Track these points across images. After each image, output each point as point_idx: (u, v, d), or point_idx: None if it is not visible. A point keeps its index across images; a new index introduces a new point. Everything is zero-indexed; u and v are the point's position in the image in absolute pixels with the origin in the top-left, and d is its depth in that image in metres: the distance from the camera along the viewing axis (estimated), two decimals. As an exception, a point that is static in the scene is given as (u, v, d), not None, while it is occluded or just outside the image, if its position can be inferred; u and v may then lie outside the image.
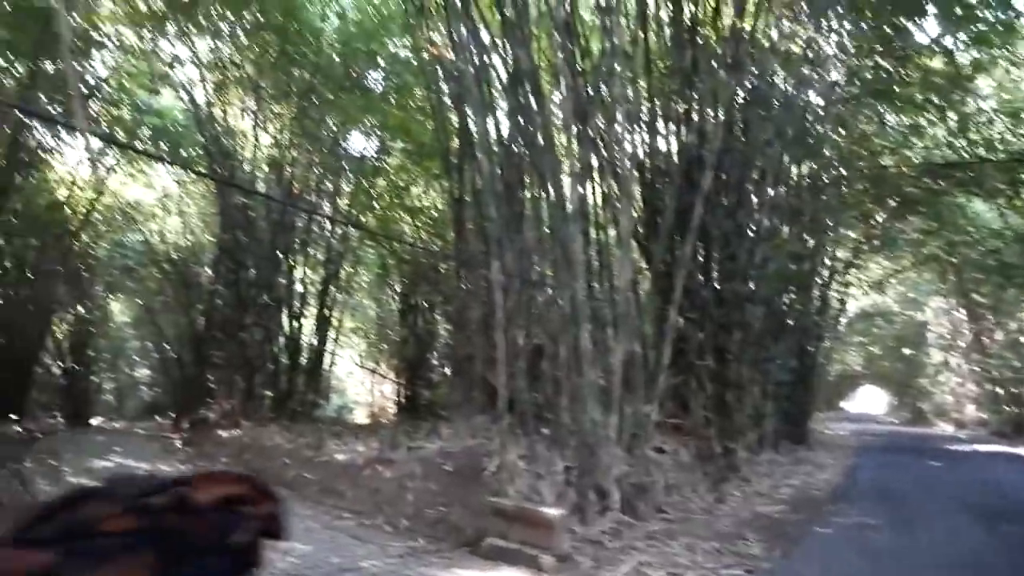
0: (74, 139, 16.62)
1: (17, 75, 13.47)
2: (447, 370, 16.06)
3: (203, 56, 15.43)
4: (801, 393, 10.16)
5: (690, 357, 7.80)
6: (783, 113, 8.27)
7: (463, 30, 7.75)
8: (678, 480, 7.16)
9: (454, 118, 10.65)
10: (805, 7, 7.68)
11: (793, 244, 9.80)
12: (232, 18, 14.41)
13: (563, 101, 7.28)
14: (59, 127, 14.39)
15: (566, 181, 7.23)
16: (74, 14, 13.93)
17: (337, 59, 14.51)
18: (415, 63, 13.22)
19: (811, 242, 9.98)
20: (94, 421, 21.23)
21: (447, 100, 10.70)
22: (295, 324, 14.94)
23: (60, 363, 20.15)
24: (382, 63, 14.76)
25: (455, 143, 10.44)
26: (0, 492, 5.32)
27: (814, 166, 9.27)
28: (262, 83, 15.05)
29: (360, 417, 20.66)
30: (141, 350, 25.68)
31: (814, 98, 8.69)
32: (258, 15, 13.75)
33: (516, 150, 8.28)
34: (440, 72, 10.39)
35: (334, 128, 15.58)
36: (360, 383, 23.41)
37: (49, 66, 13.07)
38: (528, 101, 8.05)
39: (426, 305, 17.66)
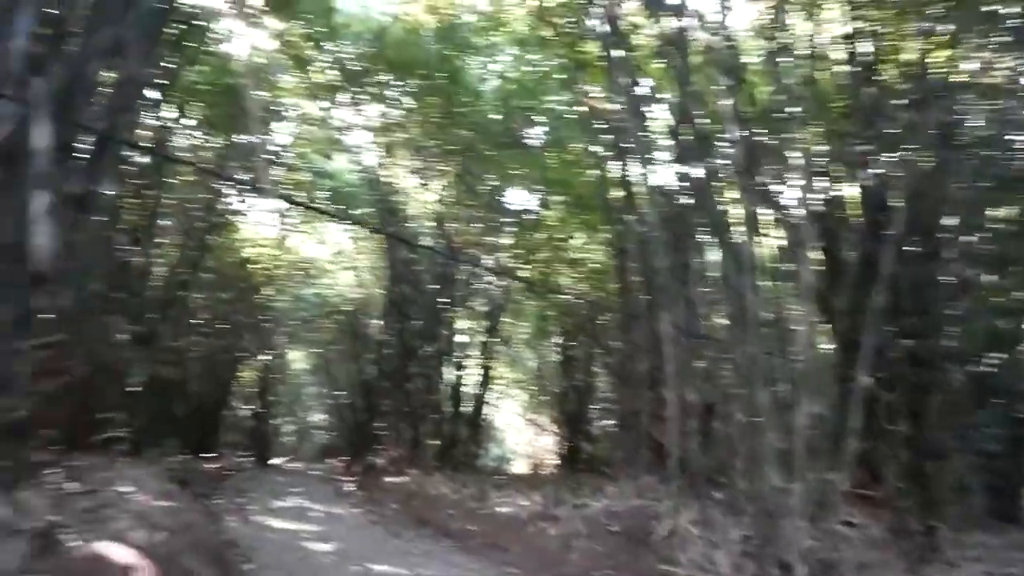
0: (261, 202, 18.14)
1: (214, 147, 14.90)
2: (609, 424, 15.75)
3: (372, 121, 16.43)
4: (1011, 466, 8.98)
5: (881, 421, 7.10)
6: (981, 151, 7.52)
7: (623, 81, 7.68)
8: (870, 559, 6.45)
9: (614, 169, 10.59)
10: (1007, 36, 6.99)
11: (998, 296, 8.81)
12: (399, 84, 15.26)
13: (731, 147, 6.99)
14: (248, 192, 15.63)
15: (738, 230, 6.89)
16: (260, 91, 15.30)
17: (497, 117, 14.94)
18: (573, 117, 13.39)
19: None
20: (276, 461, 22.63)
21: (607, 151, 10.66)
22: (457, 374, 15.23)
23: (246, 406, 21.72)
24: (541, 119, 15.04)
25: (616, 194, 10.33)
26: (197, 527, 5.63)
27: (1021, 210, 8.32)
28: (426, 143, 15.77)
29: (519, 468, 20.62)
30: (317, 396, 27.21)
31: (1018, 135, 7.84)
32: (422, 80, 14.46)
33: (682, 199, 8.05)
34: (599, 124, 10.38)
35: (494, 184, 15.99)
36: (519, 434, 23.45)
37: (240, 138, 14.33)
38: (693, 149, 7.83)
39: (586, 358, 17.48)
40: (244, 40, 14.18)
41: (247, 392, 21.71)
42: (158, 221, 12.96)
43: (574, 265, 16.65)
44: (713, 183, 7.30)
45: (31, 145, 3.59)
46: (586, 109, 11.02)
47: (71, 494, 4.88)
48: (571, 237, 16.32)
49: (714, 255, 7.35)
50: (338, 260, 19.95)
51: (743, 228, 7.03)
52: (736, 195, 7.13)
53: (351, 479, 15.34)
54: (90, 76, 4.90)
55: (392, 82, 15.27)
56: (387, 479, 13.67)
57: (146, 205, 12.19)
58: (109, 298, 11.56)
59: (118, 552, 4.04)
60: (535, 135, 15.58)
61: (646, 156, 7.82)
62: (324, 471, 18.61)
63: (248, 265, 17.86)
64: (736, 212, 7.26)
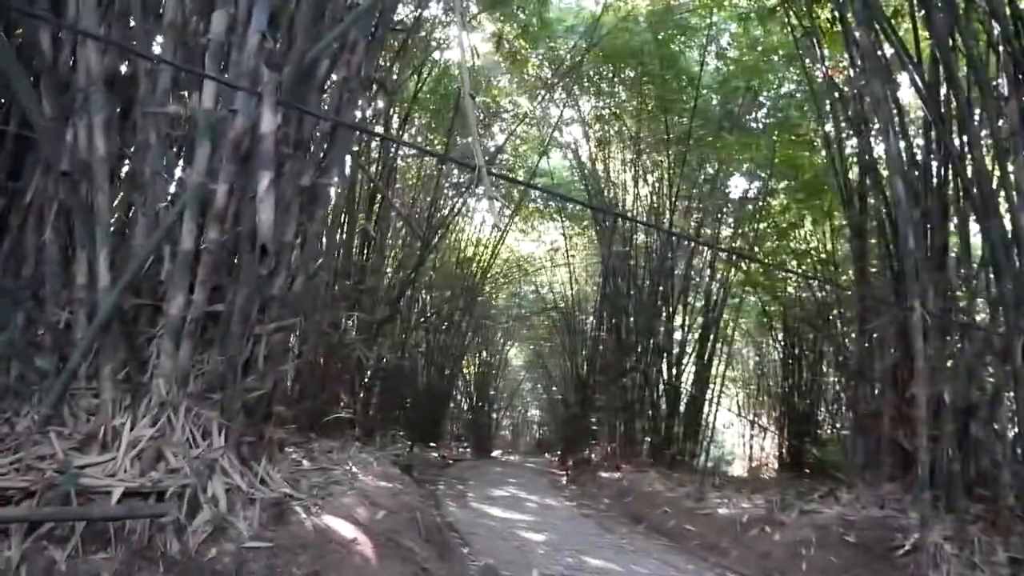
0: (479, 202, 18.75)
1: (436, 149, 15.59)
2: (838, 426, 14.41)
3: (586, 115, 16.34)
4: None
5: None
6: None
7: (865, 44, 6.83)
8: None
9: (852, 146, 9.56)
10: None
11: None
12: (613, 75, 15.02)
13: (1002, 110, 5.95)
14: (467, 192, 16.15)
15: (1007, 206, 5.85)
16: (477, 94, 15.75)
17: (715, 100, 14.21)
18: (802, 93, 12.35)
19: None
20: (495, 453, 23.37)
21: (844, 127, 9.65)
22: (674, 371, 14.67)
23: (467, 400, 22.63)
24: (763, 99, 14.08)
25: (855, 173, 9.31)
26: (417, 509, 5.75)
27: None
28: (641, 134, 15.39)
29: (738, 470, 19.58)
30: (532, 391, 27.79)
31: None
32: (637, 68, 14.11)
33: (934, 174, 7.04)
34: (834, 97, 9.39)
35: (712, 172, 15.25)
36: (738, 435, 22.30)
37: (459, 140, 14.84)
38: (949, 116, 6.80)
39: (813, 355, 16.16)
40: (461, 45, 14.76)
41: (468, 386, 22.61)
42: (387, 217, 13.76)
43: (800, 256, 15.44)
44: (976, 153, 6.28)
45: (259, 131, 3.77)
46: (819, 81, 10.03)
47: (305, 470, 5.16)
48: (796, 226, 15.13)
49: (977, 235, 6.31)
50: (553, 257, 20.14)
51: (1015, 203, 5.98)
52: (1009, 166, 6.07)
53: (564, 473, 15.35)
54: (320, 74, 5.15)
55: (606, 73, 15.10)
56: (600, 474, 13.48)
57: (374, 201, 12.96)
58: (341, 290, 12.48)
59: (342, 527, 4.15)
60: (759, 117, 14.64)
61: (893, 127, 6.90)
62: (539, 464, 18.87)
63: (469, 264, 18.52)
64: (1006, 185, 6.21)
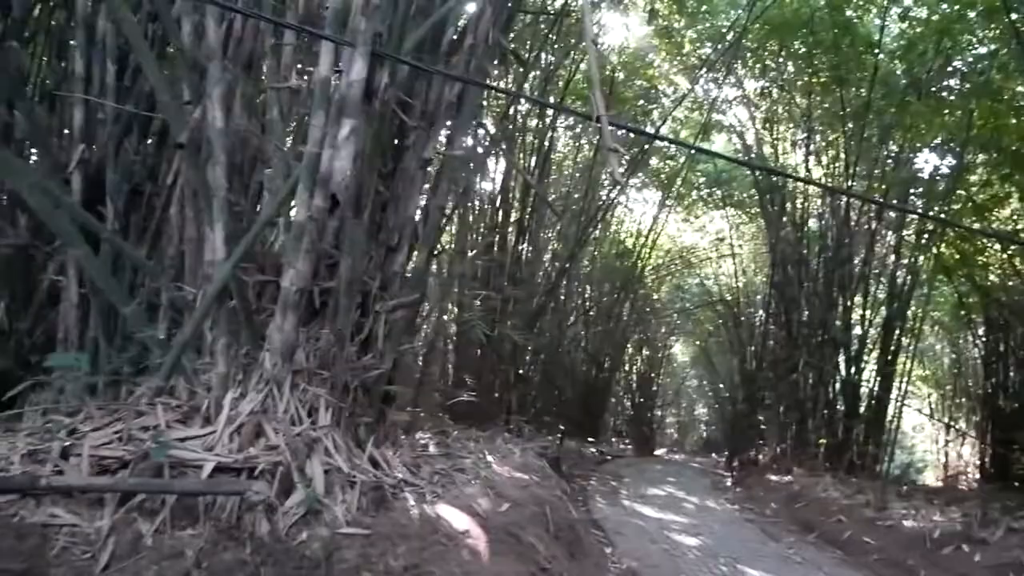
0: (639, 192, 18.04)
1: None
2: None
3: (750, 93, 15.16)
4: None
5: None
6: None
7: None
8: None
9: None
10: None
11: None
12: (779, 49, 13.78)
13: None
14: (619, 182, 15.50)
15: None
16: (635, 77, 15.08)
17: (899, 68, 12.62)
18: (1006, 53, 10.60)
19: None
20: (659, 451, 22.48)
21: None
22: (853, 368, 13.21)
23: (629, 396, 21.89)
24: (957, 64, 12.29)
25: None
26: (552, 503, 5.34)
27: None
28: (813, 111, 14.03)
29: (930, 479, 17.44)
30: (699, 388, 26.51)
31: None
32: (807, 40, 12.82)
33: None
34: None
35: (897, 148, 13.57)
36: (931, 440, 19.92)
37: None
38: None
39: (1022, 350, 14.00)
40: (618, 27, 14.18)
41: (631, 382, 21.86)
42: (542, 208, 13.46)
43: (1002, 241, 13.37)
44: None
45: (349, 78, 3.50)
46: None
47: (431, 456, 4.88)
48: (1003, 200, 13.15)
49: None
50: (719, 247, 18.97)
51: None
52: None
53: (730, 474, 14.34)
54: (445, 39, 4.86)
55: (772, 47, 13.88)
56: (769, 477, 12.40)
57: (528, 192, 12.67)
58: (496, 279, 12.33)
59: (456, 517, 3.81)
60: (951, 84, 12.82)
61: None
62: (704, 464, 17.82)
63: (629, 256, 17.84)
64: None
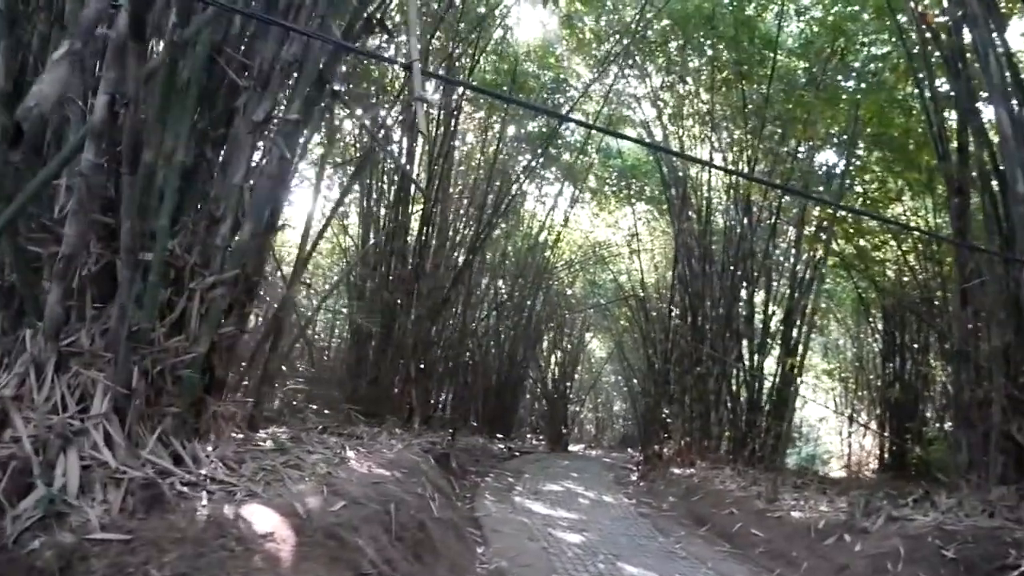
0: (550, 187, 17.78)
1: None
2: (945, 423, 12.58)
3: (656, 88, 15.07)
4: None
5: None
6: None
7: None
8: None
9: (946, 91, 8.00)
10: None
11: None
12: (683, 44, 13.70)
13: None
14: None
15: None
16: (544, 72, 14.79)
17: (797, 65, 12.69)
18: (897, 53, 10.70)
19: None
20: (576, 447, 22.28)
21: (935, 73, 8.14)
22: (755, 361, 13.21)
23: (543, 391, 21.60)
24: (855, 60, 12.41)
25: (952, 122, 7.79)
26: (408, 502, 4.91)
27: None
28: (716, 106, 14.01)
29: (835, 471, 17.74)
30: (616, 384, 26.48)
31: None
32: (709, 34, 12.77)
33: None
34: (937, 54, 7.84)
35: (796, 144, 13.65)
36: (836, 432, 20.33)
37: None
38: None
39: (916, 344, 14.30)
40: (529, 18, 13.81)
41: (545, 377, 21.60)
42: (448, 199, 13.00)
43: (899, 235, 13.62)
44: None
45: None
46: (919, 35, 8.45)
47: (261, 451, 4.36)
48: (895, 198, 13.37)
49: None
50: (630, 243, 18.87)
51: None
52: None
53: (636, 468, 14.19)
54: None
55: (677, 41, 13.80)
56: (673, 470, 12.26)
57: (432, 182, 12.23)
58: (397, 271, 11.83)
59: (263, 518, 3.31)
60: (847, 83, 12.97)
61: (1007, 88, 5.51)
62: (617, 460, 17.67)
63: (541, 248, 17.55)
64: None
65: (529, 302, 17.74)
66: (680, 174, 14.49)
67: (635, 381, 20.49)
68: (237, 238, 4.06)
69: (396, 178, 12.26)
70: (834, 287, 17.04)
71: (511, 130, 15.43)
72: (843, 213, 13.35)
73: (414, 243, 12.37)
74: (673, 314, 15.00)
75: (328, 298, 12.87)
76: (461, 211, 13.83)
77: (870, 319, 16.48)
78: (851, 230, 12.76)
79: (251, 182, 4.12)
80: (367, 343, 12.23)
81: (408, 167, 11.85)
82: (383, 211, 12.37)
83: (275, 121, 4.22)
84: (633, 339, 20.20)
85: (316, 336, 14.32)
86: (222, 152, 4.11)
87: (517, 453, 14.87)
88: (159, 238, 3.65)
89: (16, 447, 2.69)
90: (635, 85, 15.00)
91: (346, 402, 12.20)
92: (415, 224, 12.64)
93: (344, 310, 14.24)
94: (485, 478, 10.08)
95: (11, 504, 2.54)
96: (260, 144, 4.24)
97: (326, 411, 12.05)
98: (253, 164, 4.20)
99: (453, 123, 12.81)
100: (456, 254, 13.15)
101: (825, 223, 12.42)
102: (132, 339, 3.56)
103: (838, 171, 13.56)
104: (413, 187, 12.42)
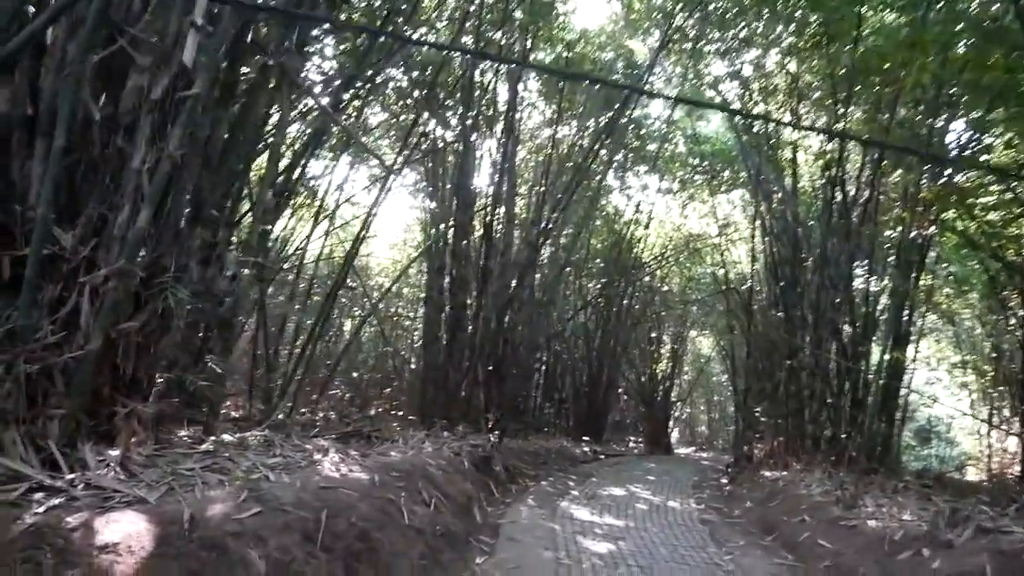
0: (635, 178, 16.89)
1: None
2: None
3: (739, 65, 13.93)
4: None
5: None
6: None
7: None
8: None
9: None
10: None
11: None
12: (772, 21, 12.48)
13: None
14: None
15: None
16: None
17: (893, 20, 11.20)
18: None
19: None
20: (685, 451, 21.11)
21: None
22: (856, 352, 11.76)
23: (640, 391, 20.54)
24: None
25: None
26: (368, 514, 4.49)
27: None
28: (807, 82, 12.69)
29: (972, 475, 15.66)
30: (724, 383, 24.92)
31: None
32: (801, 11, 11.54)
33: None
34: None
35: (909, 113, 12.02)
36: (972, 432, 18.01)
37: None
38: None
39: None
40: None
41: (642, 377, 20.51)
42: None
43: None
44: None
45: None
46: None
47: (184, 455, 4.04)
48: None
49: None
50: (726, 233, 17.61)
51: None
52: None
53: (727, 470, 13.06)
54: None
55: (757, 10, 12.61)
56: (763, 473, 11.14)
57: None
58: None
59: (119, 526, 2.96)
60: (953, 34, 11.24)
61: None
62: (716, 463, 16.42)
63: (629, 245, 16.71)
64: None
65: (620, 300, 16.92)
66: (768, 154, 13.27)
67: (739, 379, 19.10)
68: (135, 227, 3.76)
69: (457, 177, 11.97)
70: (962, 269, 15.06)
71: (588, 124, 14.75)
72: (958, 183, 11.76)
73: (479, 242, 12.02)
74: (766, 305, 13.76)
75: (383, 298, 12.76)
76: (531, 208, 13.31)
77: (1006, 304, 14.38)
78: (971, 202, 11.11)
79: (147, 165, 3.82)
80: (435, 346, 12.00)
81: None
82: (446, 211, 12.11)
83: (178, 98, 3.90)
84: (735, 334, 18.85)
85: (392, 339, 14.29)
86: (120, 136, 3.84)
87: (602, 456, 14.09)
88: (38, 229, 3.41)
89: None
90: (715, 61, 13.93)
91: (418, 405, 12.04)
92: (480, 222, 12.28)
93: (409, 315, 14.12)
94: (541, 482, 9.47)
95: None
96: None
97: (398, 414, 11.93)
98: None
99: (517, 116, 12.37)
100: (524, 253, 12.63)
101: (932, 195, 10.91)
102: (12, 338, 3.35)
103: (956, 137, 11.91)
104: (476, 186, 12.13)
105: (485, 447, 8.42)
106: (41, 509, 2.88)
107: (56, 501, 3.00)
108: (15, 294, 3.45)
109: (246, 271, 6.18)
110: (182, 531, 3.16)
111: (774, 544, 7.02)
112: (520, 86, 12.45)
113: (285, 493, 3.97)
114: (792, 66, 12.90)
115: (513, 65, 10.39)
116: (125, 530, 2.97)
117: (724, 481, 12.16)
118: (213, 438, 4.56)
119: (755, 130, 13.59)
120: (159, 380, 4.38)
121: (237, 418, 6.95)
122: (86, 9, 3.73)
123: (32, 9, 3.87)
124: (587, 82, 10.88)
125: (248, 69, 5.41)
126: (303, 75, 7.32)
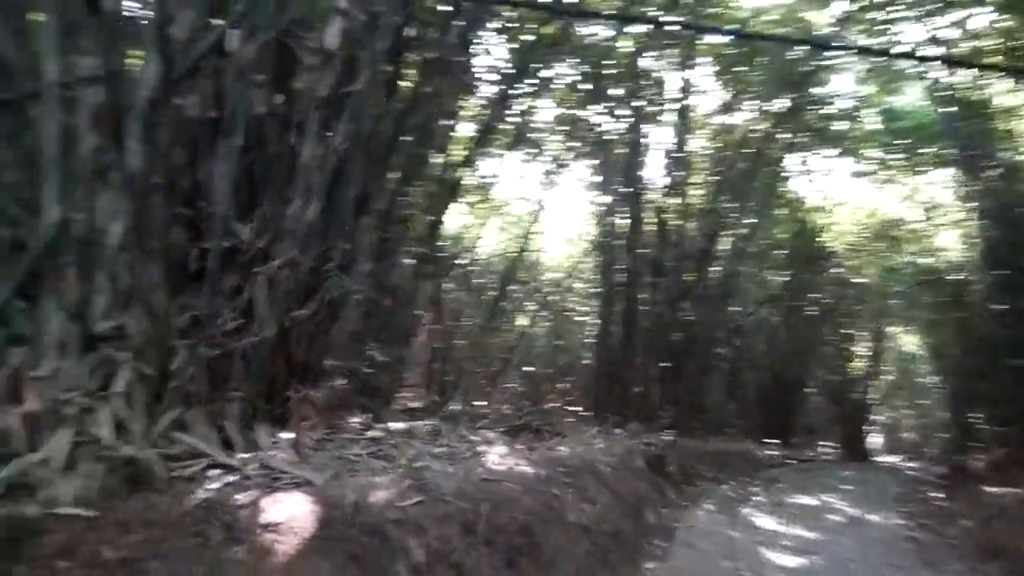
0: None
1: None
2: None
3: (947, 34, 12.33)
4: None
5: None
6: None
7: None
8: None
9: None
10: None
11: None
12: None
13: None
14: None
15: None
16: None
17: None
18: None
19: None
20: (887, 459, 19.19)
21: None
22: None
23: (833, 393, 18.86)
24: None
25: None
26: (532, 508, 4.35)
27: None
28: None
29: None
30: (932, 385, 22.31)
31: None
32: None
33: None
34: None
35: None
36: None
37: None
38: None
39: None
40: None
41: (835, 376, 18.81)
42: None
43: None
44: None
45: None
46: None
47: (351, 440, 4.10)
48: None
49: None
50: (933, 216, 15.72)
51: None
52: None
53: (938, 481, 11.59)
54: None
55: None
56: (985, 488, 9.75)
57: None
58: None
59: (283, 507, 3.03)
60: None
61: None
62: (923, 474, 14.67)
63: (815, 234, 15.47)
64: None
65: (807, 293, 15.71)
66: (978, 125, 11.69)
67: (944, 378, 17.04)
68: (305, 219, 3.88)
69: (629, 169, 11.66)
70: None
71: (766, 106, 13.79)
72: None
73: (652, 234, 11.63)
74: (982, 296, 12.13)
75: (554, 293, 12.67)
76: (707, 197, 12.66)
77: None
78: None
79: (316, 162, 3.93)
80: (608, 341, 11.78)
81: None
82: (618, 204, 11.83)
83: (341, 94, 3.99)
84: (945, 330, 16.83)
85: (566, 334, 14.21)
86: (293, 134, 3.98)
87: (790, 461, 13.08)
88: (217, 223, 3.60)
89: (12, 421, 2.73)
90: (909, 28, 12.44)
91: (590, 401, 11.89)
92: (654, 214, 11.87)
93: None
94: (720, 486, 8.91)
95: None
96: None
97: (571, 409, 11.85)
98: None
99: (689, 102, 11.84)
100: (699, 244, 12.04)
101: None
102: (196, 325, 3.55)
103: None
104: (648, 177, 11.75)
105: (659, 446, 8.04)
106: (214, 486, 3.01)
107: (229, 479, 3.13)
108: (201, 284, 3.67)
109: (417, 264, 6.31)
110: (344, 515, 3.18)
111: (998, 571, 6.06)
112: (692, 72, 11.87)
113: (447, 483, 3.93)
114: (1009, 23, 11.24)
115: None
116: (290, 511, 3.03)
117: (935, 495, 10.80)
118: (382, 426, 4.64)
119: (960, 98, 12.02)
120: (330, 367, 4.50)
121: (412, 408, 7.11)
122: (260, 17, 3.91)
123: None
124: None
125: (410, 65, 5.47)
126: (470, 71, 7.39)
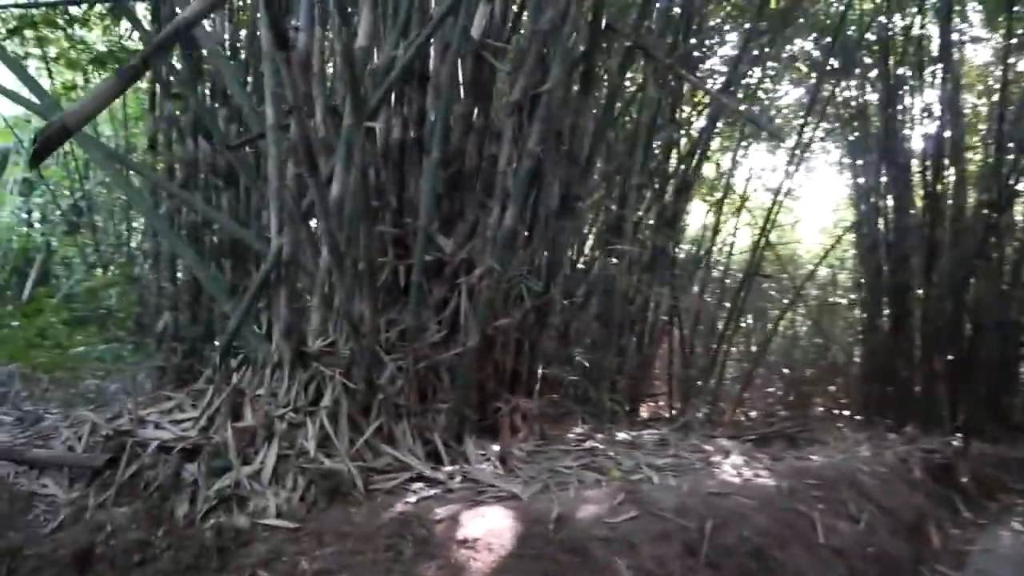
0: None
1: None
2: None
3: None
4: None
5: None
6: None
7: None
8: None
9: None
10: None
11: None
12: None
13: None
14: None
15: None
16: None
17: None
18: None
19: None
20: None
21: None
22: None
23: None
24: None
25: None
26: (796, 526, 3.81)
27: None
28: None
29: None
30: None
31: None
32: None
33: None
34: None
35: None
36: None
37: None
38: None
39: None
40: None
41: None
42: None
43: None
44: None
45: None
46: None
47: (565, 452, 3.87)
48: None
49: None
50: None
51: None
52: None
53: None
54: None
55: None
56: None
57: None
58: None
59: (481, 521, 2.91)
60: None
61: None
62: None
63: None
64: None
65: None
66: None
67: None
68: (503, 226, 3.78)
69: (887, 142, 10.23)
70: None
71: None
72: None
73: (921, 211, 10.08)
74: None
75: (804, 286, 11.40)
76: (987, 160, 10.67)
77: None
78: None
79: (512, 166, 3.81)
80: (876, 335, 10.40)
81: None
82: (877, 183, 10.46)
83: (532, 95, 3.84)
84: None
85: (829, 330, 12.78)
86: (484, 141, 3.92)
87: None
88: (420, 237, 3.64)
89: (227, 436, 2.92)
90: None
91: (861, 404, 10.65)
92: (921, 187, 10.27)
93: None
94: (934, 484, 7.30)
95: (207, 487, 2.75)
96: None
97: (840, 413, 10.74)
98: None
99: (955, 56, 10.09)
100: (983, 218, 10.17)
101: None
102: (404, 338, 3.62)
103: None
104: (912, 148, 10.22)
105: (945, 452, 6.80)
106: (414, 499, 2.98)
107: (431, 492, 3.09)
108: (408, 298, 3.74)
109: (652, 266, 6.01)
110: (546, 531, 2.98)
111: None
112: (955, 21, 10.10)
113: (666, 497, 3.57)
114: None
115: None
116: (489, 526, 2.90)
117: None
118: (601, 435, 4.39)
119: None
120: (548, 376, 4.36)
121: (649, 418, 6.77)
122: (451, 34, 3.92)
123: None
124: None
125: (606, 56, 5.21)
126: (688, 58, 6.94)
